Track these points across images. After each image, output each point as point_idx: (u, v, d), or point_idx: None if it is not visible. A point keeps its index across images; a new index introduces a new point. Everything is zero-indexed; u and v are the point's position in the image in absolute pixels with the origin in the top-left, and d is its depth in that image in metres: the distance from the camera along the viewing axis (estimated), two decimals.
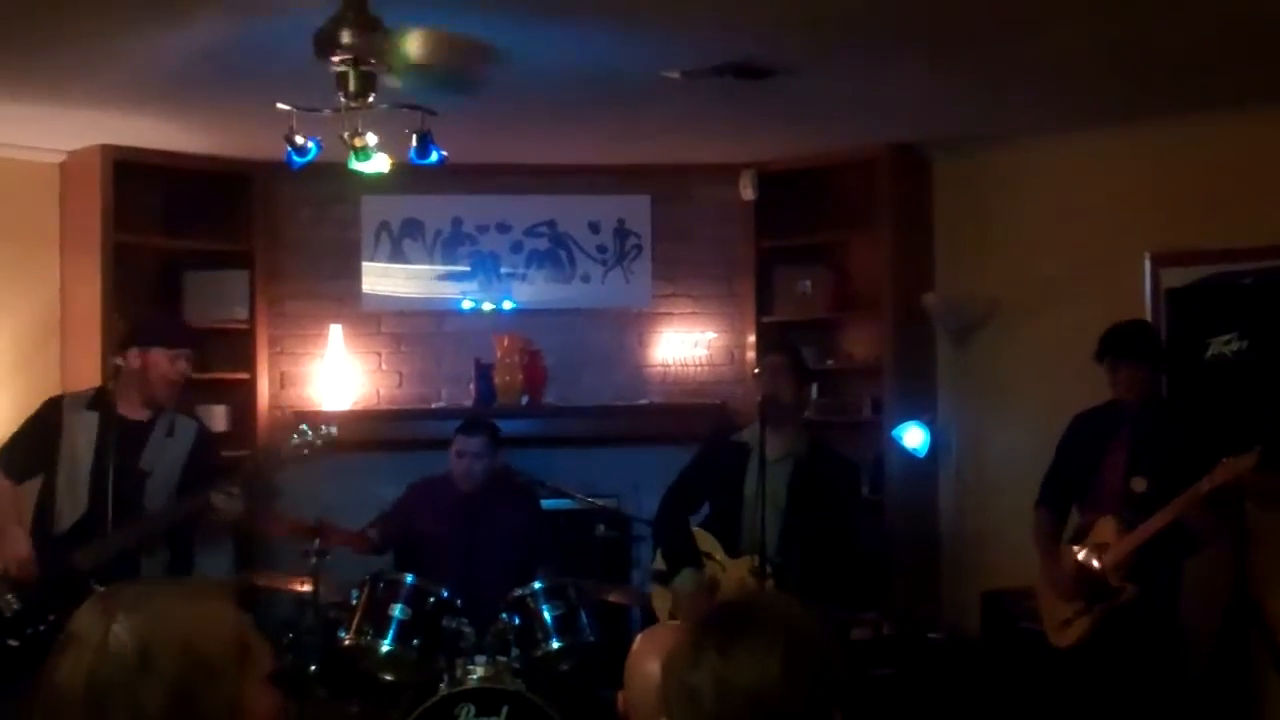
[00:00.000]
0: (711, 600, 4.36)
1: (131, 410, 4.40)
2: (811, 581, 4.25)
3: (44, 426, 4.42)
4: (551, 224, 6.48)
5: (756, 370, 4.83)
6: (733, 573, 4.47)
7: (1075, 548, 4.46)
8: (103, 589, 1.77)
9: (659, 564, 4.69)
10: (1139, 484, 4.26)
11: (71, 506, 4.31)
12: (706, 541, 4.59)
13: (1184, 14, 3.98)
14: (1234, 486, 4.06)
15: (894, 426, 5.91)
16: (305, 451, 4.56)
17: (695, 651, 1.65)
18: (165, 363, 4.38)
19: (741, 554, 4.47)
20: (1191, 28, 4.11)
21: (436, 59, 4.16)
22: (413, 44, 3.98)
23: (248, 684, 1.57)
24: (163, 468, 4.41)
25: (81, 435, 4.34)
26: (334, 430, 4.60)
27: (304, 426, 4.60)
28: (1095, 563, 4.34)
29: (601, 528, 5.26)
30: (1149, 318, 5.28)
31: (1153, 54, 4.43)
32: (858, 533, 4.64)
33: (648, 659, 2.14)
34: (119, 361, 4.45)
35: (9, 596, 4.18)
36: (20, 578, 4.19)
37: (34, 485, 4.45)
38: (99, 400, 4.43)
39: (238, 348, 6.16)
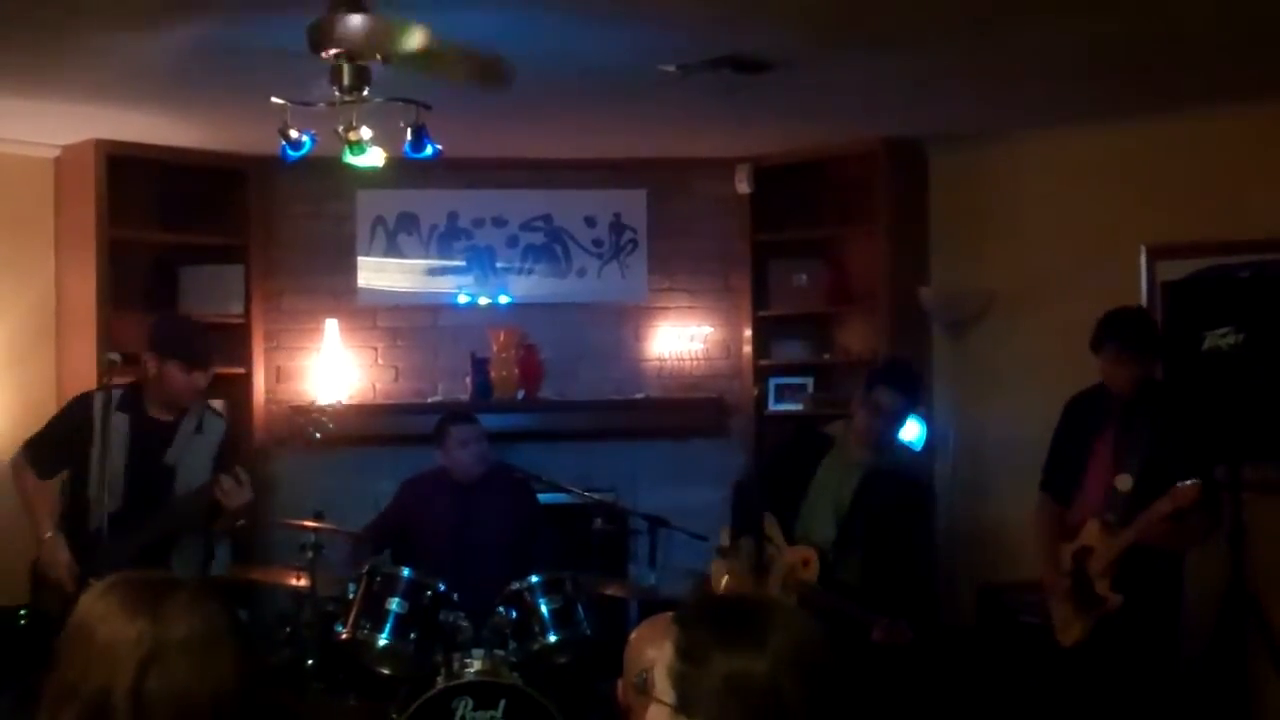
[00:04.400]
0: (760, 580, 4.44)
1: (158, 410, 4.41)
2: (866, 587, 4.32)
3: (74, 424, 4.41)
4: (547, 218, 6.47)
5: (865, 395, 4.58)
6: (786, 558, 4.50)
7: (1069, 547, 4.44)
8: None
9: (724, 540, 4.70)
10: (1123, 482, 4.21)
11: (105, 505, 4.28)
12: (771, 526, 4.59)
13: (1179, 8, 3.98)
14: (1207, 496, 4.04)
15: None
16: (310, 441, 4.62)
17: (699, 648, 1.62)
18: (180, 377, 4.37)
19: (796, 543, 4.51)
20: (1187, 21, 4.10)
21: (434, 57, 4.14)
22: (411, 39, 3.96)
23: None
24: (190, 462, 4.42)
25: (114, 435, 4.31)
26: (331, 425, 4.65)
27: (310, 426, 4.62)
28: (1085, 569, 4.31)
29: (599, 522, 5.25)
30: None
31: (1149, 48, 4.43)
32: (920, 554, 4.64)
33: (647, 648, 2.14)
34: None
35: (54, 603, 4.15)
36: (65, 582, 4.19)
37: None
38: (130, 400, 4.42)
39: (233, 342, 6.15)
